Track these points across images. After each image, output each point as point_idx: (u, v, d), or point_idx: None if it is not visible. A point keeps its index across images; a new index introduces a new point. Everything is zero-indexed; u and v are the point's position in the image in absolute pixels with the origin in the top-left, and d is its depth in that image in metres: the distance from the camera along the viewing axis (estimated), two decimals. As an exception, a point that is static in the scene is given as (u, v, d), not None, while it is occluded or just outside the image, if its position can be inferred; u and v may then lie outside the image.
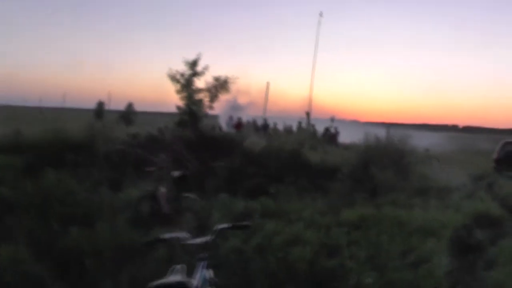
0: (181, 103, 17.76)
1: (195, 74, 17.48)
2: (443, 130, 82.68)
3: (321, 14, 32.77)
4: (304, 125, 28.30)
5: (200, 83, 17.84)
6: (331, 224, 7.98)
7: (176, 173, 9.72)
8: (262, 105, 32.25)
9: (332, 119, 28.19)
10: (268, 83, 32.75)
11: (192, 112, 17.56)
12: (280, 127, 28.95)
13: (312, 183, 12.83)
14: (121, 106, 68.77)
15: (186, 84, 17.31)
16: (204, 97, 17.65)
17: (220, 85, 17.74)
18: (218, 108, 30.71)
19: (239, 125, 28.42)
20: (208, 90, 17.81)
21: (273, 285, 5.45)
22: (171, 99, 18.30)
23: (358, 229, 7.77)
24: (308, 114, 28.53)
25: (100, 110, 72.79)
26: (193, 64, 17.44)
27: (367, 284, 5.34)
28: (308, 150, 16.90)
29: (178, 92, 17.50)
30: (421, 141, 35.97)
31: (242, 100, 35.55)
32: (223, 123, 29.59)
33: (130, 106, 68.44)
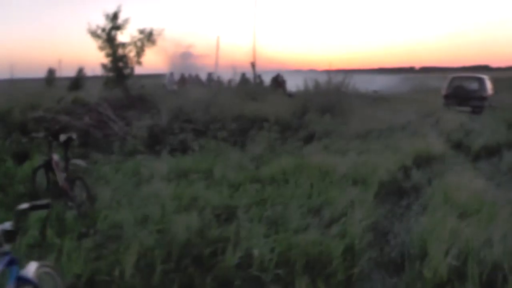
0: (106, 60, 16.21)
1: (116, 27, 15.86)
2: (400, 72, 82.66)
3: None
4: (249, 76, 26.93)
5: (124, 37, 16.27)
6: (244, 181, 6.86)
7: (63, 137, 8.37)
8: (213, 60, 30.62)
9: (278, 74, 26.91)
10: (218, 37, 31.07)
11: (118, 70, 16.04)
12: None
13: (239, 135, 11.68)
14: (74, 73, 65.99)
15: (107, 39, 15.70)
16: (128, 52, 16.10)
17: (146, 38, 16.20)
18: (167, 66, 29.17)
19: (182, 81, 26.94)
20: (133, 44, 16.24)
21: (145, 265, 4.30)
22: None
23: (274, 184, 6.69)
24: (253, 65, 27.11)
25: (50, 78, 69.64)
26: (114, 17, 15.81)
27: (255, 257, 4.24)
28: (244, 101, 15.73)
29: (100, 48, 15.90)
30: (374, 84, 35.47)
31: (191, 56, 33.94)
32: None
33: (80, 71, 65.74)
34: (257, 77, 27.22)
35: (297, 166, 7.52)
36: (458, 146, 11.70)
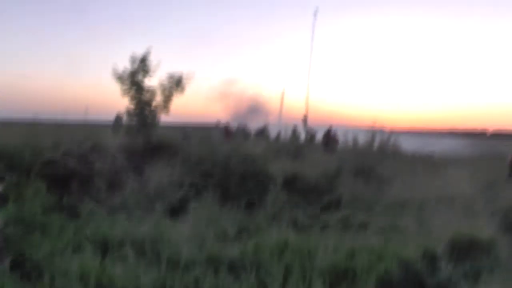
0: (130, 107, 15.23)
1: (143, 70, 14.92)
2: (471, 137, 78.57)
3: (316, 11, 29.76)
4: (300, 130, 25.44)
5: (151, 82, 15.30)
6: (194, 261, 5.20)
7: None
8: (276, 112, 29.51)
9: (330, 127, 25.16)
10: (284, 90, 30.06)
11: (142, 117, 15.00)
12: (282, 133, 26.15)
13: (253, 195, 10.08)
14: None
15: (132, 82, 14.74)
16: (151, 97, 15.05)
17: (175, 84, 15.13)
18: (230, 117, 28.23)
19: (227, 132, 25.76)
20: (161, 89, 15.21)
21: None
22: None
23: (232, 271, 4.97)
24: (305, 118, 25.64)
25: (117, 124, 71.47)
26: (142, 60, 14.90)
27: None
28: (277, 158, 14.14)
29: (124, 92, 14.95)
30: (435, 148, 32.93)
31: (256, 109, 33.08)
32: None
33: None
34: (310, 130, 25.70)
35: (283, 245, 5.75)
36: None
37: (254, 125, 28.78)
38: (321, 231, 7.29)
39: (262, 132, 26.64)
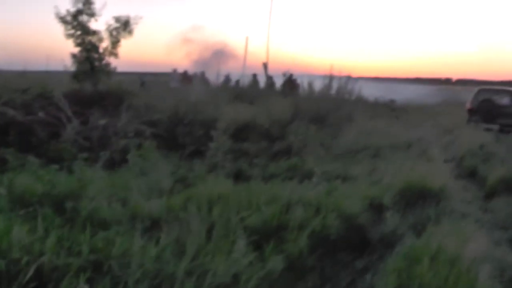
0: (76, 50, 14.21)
1: (90, 13, 13.87)
2: (436, 83, 79.30)
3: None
4: (260, 78, 24.67)
5: (98, 25, 14.27)
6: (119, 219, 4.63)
7: None
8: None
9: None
10: (247, 38, 28.93)
11: (89, 61, 14.06)
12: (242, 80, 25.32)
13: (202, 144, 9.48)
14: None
15: (76, 25, 13.71)
16: (97, 41, 14.07)
17: (122, 27, 14.15)
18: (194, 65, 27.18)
19: (184, 79, 24.86)
20: (108, 32, 14.21)
21: None
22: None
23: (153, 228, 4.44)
24: (265, 65, 24.85)
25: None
26: (86, 1, 13.81)
27: None
28: (233, 104, 13.49)
29: (68, 36, 13.91)
30: (400, 94, 32.77)
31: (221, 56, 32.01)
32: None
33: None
34: (270, 78, 24.94)
35: (215, 199, 5.20)
36: (471, 175, 9.27)
37: (217, 72, 27.90)
38: (264, 181, 6.77)
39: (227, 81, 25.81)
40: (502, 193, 8.04)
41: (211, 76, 26.80)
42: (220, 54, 33.34)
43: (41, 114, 11.29)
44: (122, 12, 17.32)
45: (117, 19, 14.12)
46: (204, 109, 11.98)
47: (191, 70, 27.17)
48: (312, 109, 11.93)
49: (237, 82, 24.05)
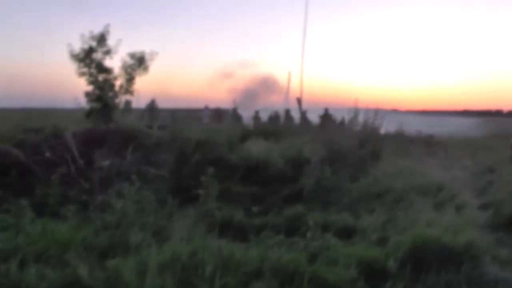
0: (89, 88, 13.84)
1: (106, 51, 13.51)
2: (486, 116, 76.40)
3: None
4: (294, 113, 23.90)
5: (112, 63, 13.88)
6: None
7: None
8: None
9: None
10: (290, 72, 28.39)
11: (101, 99, 13.61)
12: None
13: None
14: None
15: (89, 62, 13.33)
16: (113, 79, 13.64)
17: (137, 64, 13.70)
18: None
19: (216, 115, 24.27)
20: (123, 70, 13.78)
21: None
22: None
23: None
24: (299, 100, 24.04)
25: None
26: (101, 38, 13.46)
27: None
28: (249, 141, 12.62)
29: (80, 74, 13.55)
30: (444, 127, 31.20)
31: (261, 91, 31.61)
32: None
33: (152, 102, 65.40)
34: (303, 113, 24.06)
35: (170, 263, 4.29)
36: (510, 225, 7.97)
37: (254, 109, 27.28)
38: (254, 235, 5.83)
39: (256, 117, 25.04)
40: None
41: (245, 112, 26.19)
42: (261, 89, 32.95)
43: (48, 154, 10.82)
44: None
45: (132, 56, 13.69)
46: (217, 148, 11.20)
47: (231, 106, 26.71)
48: (333, 147, 10.89)
49: (272, 118, 23.26)
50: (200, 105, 27.05)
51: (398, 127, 19.79)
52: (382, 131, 14.29)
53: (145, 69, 13.68)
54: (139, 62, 13.55)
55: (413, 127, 24.82)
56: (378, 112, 13.17)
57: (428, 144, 18.50)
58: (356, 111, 12.50)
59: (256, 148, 11.30)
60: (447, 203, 8.49)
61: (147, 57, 13.68)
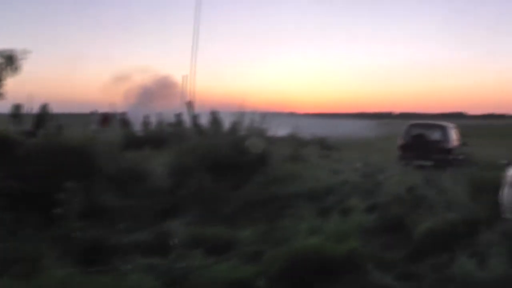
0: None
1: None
2: (379, 118, 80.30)
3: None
4: (185, 117, 22.88)
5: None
6: None
7: None
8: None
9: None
10: (183, 77, 27.31)
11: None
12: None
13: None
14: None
15: None
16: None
17: (6, 63, 12.22)
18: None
19: (104, 121, 22.91)
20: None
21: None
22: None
23: None
24: (189, 104, 23.13)
25: (16, 114, 65.43)
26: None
27: None
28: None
29: None
30: (339, 130, 31.80)
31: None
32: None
33: (44, 107, 61.46)
34: (194, 117, 23.19)
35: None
36: (395, 227, 7.68)
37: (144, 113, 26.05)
38: (122, 257, 4.97)
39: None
40: (430, 250, 6.54)
41: (134, 116, 24.94)
42: (157, 93, 31.77)
43: None
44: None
45: (1, 54, 12.21)
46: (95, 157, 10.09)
47: (122, 110, 25.42)
48: (216, 153, 10.17)
49: (161, 123, 22.21)
50: (101, 109, 25.62)
51: (292, 130, 19.62)
52: (274, 134, 13.83)
53: (16, 69, 12.21)
54: (8, 61, 12.05)
55: (308, 130, 24.93)
56: (266, 115, 12.64)
57: (321, 147, 18.45)
58: (241, 114, 11.87)
59: (138, 156, 10.36)
60: (334, 208, 8.12)
61: (18, 55, 12.20)
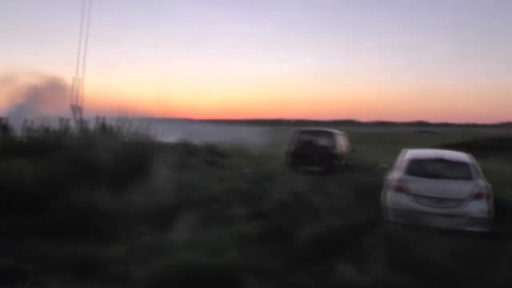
0: None
1: None
2: (274, 124, 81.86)
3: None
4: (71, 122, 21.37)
5: None
6: None
7: None
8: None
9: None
10: (74, 78, 25.42)
11: None
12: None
13: None
14: None
15: None
16: None
17: None
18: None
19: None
20: None
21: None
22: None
23: None
24: (75, 108, 21.63)
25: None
26: None
27: None
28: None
29: None
30: (231, 135, 31.65)
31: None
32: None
33: None
34: (82, 122, 21.75)
35: None
36: (279, 235, 7.44)
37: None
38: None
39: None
40: (313, 257, 6.38)
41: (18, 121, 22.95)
42: (45, 96, 29.56)
43: None
44: None
45: None
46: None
47: (8, 114, 23.30)
48: (94, 161, 9.43)
49: (43, 128, 20.56)
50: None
51: (183, 137, 19.07)
52: (161, 140, 13.27)
53: None
54: None
55: (201, 136, 24.49)
56: (154, 121, 12.08)
57: (211, 154, 18.09)
58: (126, 120, 11.19)
59: (9, 165, 9.31)
60: (216, 218, 7.76)
61: None
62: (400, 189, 8.28)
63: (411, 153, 9.20)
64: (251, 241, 6.74)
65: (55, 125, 20.52)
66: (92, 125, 19.53)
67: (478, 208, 7.80)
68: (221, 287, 4.76)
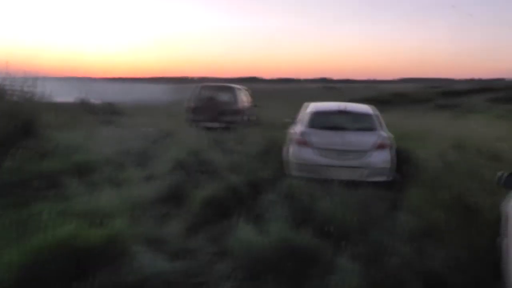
0: None
1: None
2: (177, 82, 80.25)
3: None
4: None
5: None
6: None
7: None
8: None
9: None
10: None
11: None
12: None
13: None
14: None
15: None
16: None
17: None
18: None
19: None
20: None
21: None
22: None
23: None
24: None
25: None
26: None
27: None
28: None
29: None
30: (133, 94, 30.44)
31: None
32: None
33: None
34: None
35: None
36: (174, 197, 6.97)
37: None
38: None
39: None
40: (209, 220, 6.01)
41: None
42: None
43: None
44: None
45: None
46: None
47: None
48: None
49: None
50: None
51: (78, 96, 17.96)
52: (55, 100, 12.18)
53: None
54: None
55: (102, 95, 23.21)
56: (42, 79, 10.99)
57: (110, 113, 17.10)
58: (11, 78, 10.07)
59: None
60: (108, 182, 7.13)
61: None
62: (302, 142, 8.05)
63: (313, 106, 8.96)
64: (143, 206, 6.23)
65: None
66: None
67: (381, 158, 7.79)
68: (105, 261, 4.22)
